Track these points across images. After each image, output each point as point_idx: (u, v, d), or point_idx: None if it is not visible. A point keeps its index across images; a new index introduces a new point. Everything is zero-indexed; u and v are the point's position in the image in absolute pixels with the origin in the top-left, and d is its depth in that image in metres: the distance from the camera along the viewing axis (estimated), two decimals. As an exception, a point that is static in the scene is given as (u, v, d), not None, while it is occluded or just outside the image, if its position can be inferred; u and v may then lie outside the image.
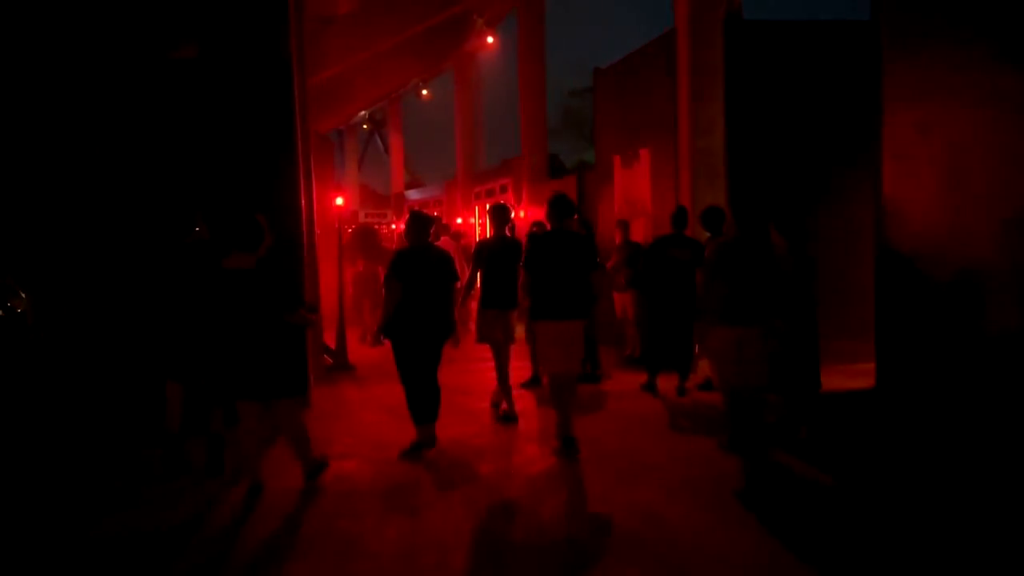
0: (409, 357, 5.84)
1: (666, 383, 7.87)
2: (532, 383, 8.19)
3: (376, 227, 18.88)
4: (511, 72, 18.17)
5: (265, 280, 4.84)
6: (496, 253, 6.88)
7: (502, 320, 6.80)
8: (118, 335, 6.48)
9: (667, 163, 9.40)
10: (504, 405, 6.92)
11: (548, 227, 6.20)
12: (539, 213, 15.11)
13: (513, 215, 7.63)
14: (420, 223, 6.00)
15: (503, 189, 17.77)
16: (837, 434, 6.10)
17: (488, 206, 7.79)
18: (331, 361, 9.62)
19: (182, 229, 5.61)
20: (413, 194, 28.88)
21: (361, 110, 28.41)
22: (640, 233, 10.09)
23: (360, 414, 7.16)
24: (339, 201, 9.42)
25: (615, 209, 10.90)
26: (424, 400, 5.86)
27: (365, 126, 31.91)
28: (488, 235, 7.29)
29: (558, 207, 5.94)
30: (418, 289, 5.75)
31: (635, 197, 10.34)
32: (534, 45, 15.95)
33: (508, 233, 7.10)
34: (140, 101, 6.79)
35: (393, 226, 23.62)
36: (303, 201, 7.62)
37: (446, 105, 24.65)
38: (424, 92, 24.61)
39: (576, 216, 8.74)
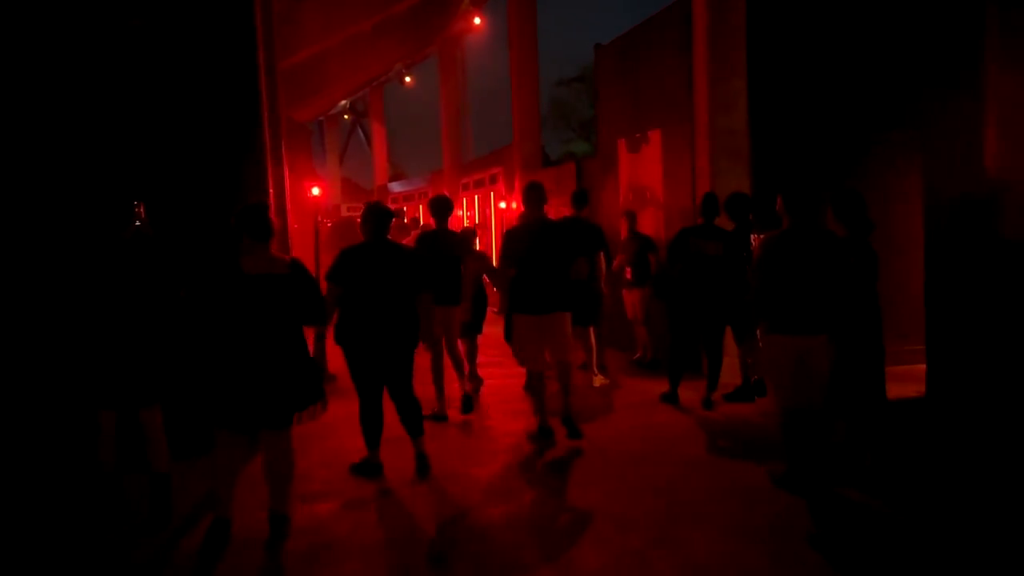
0: (364, 370, 5.08)
1: (686, 393, 6.93)
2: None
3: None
4: (500, 55, 17.17)
5: (296, 286, 4.12)
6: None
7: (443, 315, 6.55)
8: (36, 350, 5.10)
9: (682, 146, 8.44)
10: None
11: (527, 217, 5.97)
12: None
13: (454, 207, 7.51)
14: (376, 217, 5.11)
15: (493, 179, 16.77)
16: (893, 454, 5.17)
17: (431, 198, 7.08)
18: (308, 370, 8.60)
19: (120, 222, 4.57)
20: (396, 187, 27.83)
21: (342, 99, 27.29)
22: (650, 224, 9.13)
23: (339, 437, 6.13)
24: (315, 191, 8.41)
25: (620, 198, 9.92)
26: (375, 422, 5.18)
27: (346, 116, 30.76)
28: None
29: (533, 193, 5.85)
30: (372, 292, 4.94)
31: (643, 184, 9.38)
32: (526, 23, 14.91)
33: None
34: (74, 74, 5.69)
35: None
36: (272, 191, 6.58)
37: (431, 93, 23.58)
38: (407, 79, 23.55)
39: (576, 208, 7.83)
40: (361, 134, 40.34)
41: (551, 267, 5.67)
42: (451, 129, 20.62)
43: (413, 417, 5.20)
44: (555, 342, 5.77)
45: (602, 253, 7.70)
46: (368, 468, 5.22)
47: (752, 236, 6.83)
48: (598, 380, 7.82)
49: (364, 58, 18.88)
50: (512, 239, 5.87)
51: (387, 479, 5.14)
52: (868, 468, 4.82)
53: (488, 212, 17.27)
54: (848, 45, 7.98)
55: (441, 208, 6.79)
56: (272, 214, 6.40)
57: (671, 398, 6.91)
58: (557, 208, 11.09)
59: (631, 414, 6.68)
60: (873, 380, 4.95)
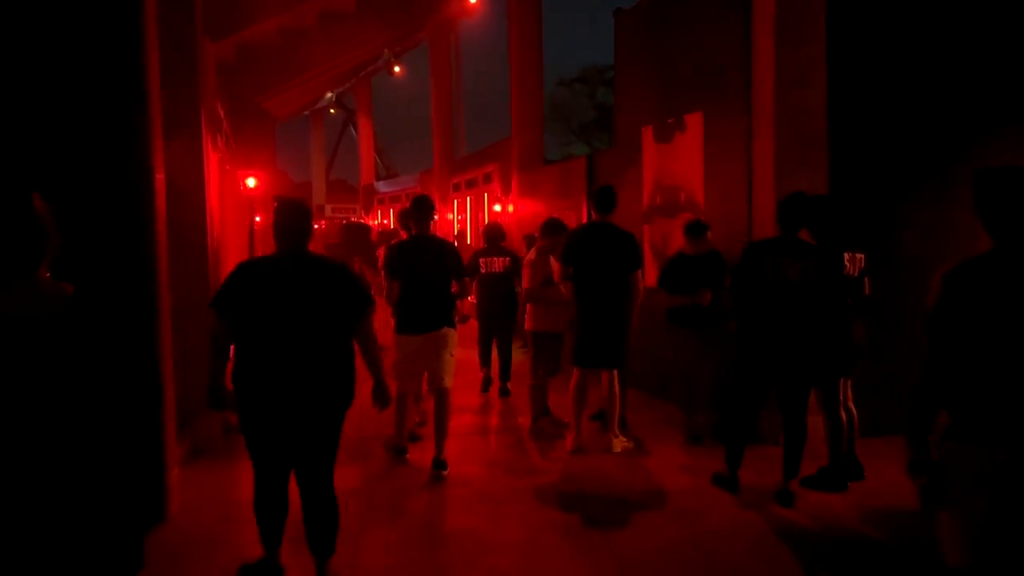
0: (260, 437, 3.43)
1: (747, 472, 4.93)
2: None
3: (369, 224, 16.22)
4: (499, 43, 15.18)
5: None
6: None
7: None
8: None
9: (732, 133, 6.43)
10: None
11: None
12: (532, 207, 12.07)
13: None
14: (289, 218, 3.44)
15: (487, 178, 14.73)
16: None
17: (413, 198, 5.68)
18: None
19: None
20: (383, 187, 25.88)
21: (327, 90, 25.26)
22: (681, 235, 7.12)
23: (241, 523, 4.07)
24: (250, 183, 6.42)
25: (644, 201, 7.89)
26: (275, 510, 3.55)
27: (332, 111, 28.72)
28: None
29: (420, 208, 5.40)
30: (277, 326, 3.33)
31: (675, 183, 7.36)
32: (528, 2, 12.87)
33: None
34: None
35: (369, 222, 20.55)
36: (158, 175, 4.52)
37: (424, 84, 21.57)
38: (396, 68, 21.53)
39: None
40: (353, 132, 38.38)
41: (435, 285, 5.30)
42: (442, 123, 18.60)
43: (323, 523, 3.45)
44: (433, 364, 5.32)
45: (638, 273, 5.77)
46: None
47: (846, 256, 4.85)
48: (619, 444, 5.81)
49: (347, 41, 16.81)
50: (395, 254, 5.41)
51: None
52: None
53: (481, 216, 15.24)
54: (959, 10, 6.02)
55: (421, 210, 5.43)
56: (159, 202, 4.42)
57: (729, 483, 4.88)
58: (563, 213, 9.06)
59: (669, 511, 4.63)
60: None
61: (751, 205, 6.22)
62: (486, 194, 14.92)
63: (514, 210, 12.76)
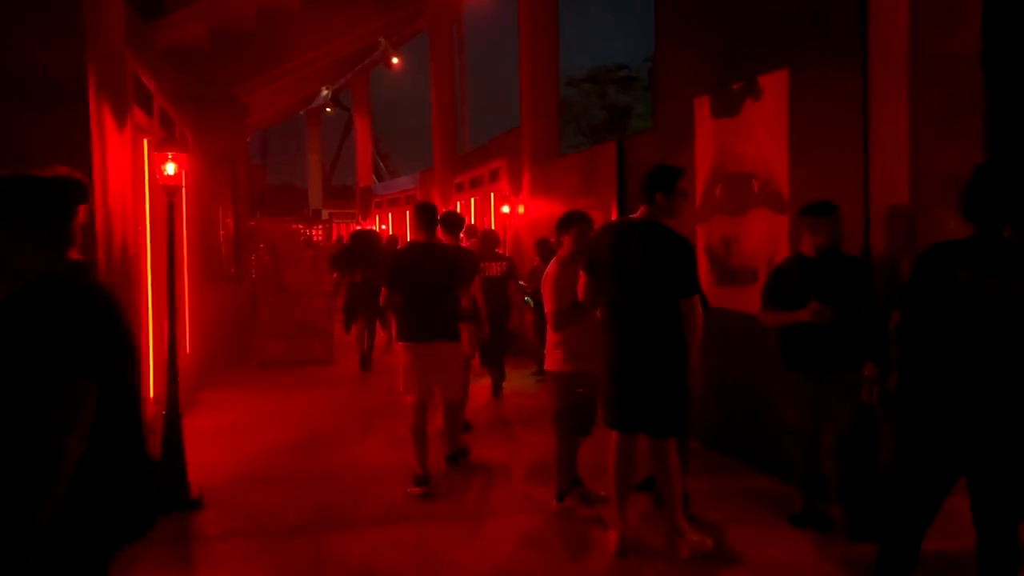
0: None
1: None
2: None
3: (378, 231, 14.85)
4: (504, 25, 13.42)
5: None
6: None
7: None
8: None
9: (837, 95, 4.60)
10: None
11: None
12: (547, 206, 10.24)
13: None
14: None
15: (494, 176, 12.91)
16: None
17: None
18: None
19: None
20: (383, 189, 24.17)
21: (322, 86, 23.55)
22: (759, 239, 5.33)
23: None
24: (168, 169, 4.67)
25: (697, 194, 6.07)
26: None
27: (328, 109, 27.03)
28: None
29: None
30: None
31: (746, 168, 5.54)
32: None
33: None
34: None
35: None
36: None
37: (425, 77, 19.83)
38: (395, 60, 19.81)
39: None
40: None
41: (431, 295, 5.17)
42: (443, 118, 16.80)
43: None
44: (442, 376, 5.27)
45: (694, 300, 3.95)
46: None
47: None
48: (687, 544, 3.98)
49: (335, 25, 15.06)
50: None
51: None
52: None
53: (487, 219, 13.43)
54: None
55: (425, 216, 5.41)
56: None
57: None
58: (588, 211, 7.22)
59: None
60: None
61: (867, 195, 4.40)
62: (492, 194, 13.11)
63: (525, 210, 10.94)
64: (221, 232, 11.14)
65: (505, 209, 11.81)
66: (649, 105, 32.49)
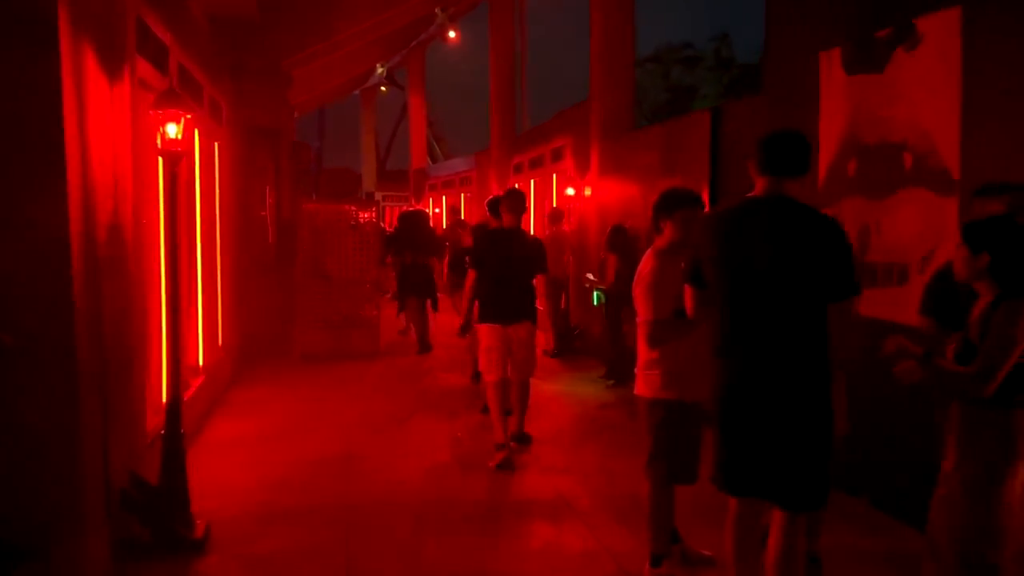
0: None
1: None
2: None
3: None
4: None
5: None
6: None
7: None
8: None
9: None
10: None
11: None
12: (619, 188, 9.11)
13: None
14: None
15: (557, 155, 11.81)
16: None
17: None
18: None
19: None
20: (435, 170, 23.29)
21: (376, 62, 22.68)
22: (913, 225, 4.17)
23: None
24: (171, 131, 3.73)
25: (821, 169, 4.89)
26: None
27: (383, 88, 26.17)
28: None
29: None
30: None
31: (894, 137, 4.35)
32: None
33: None
34: None
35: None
36: None
37: (481, 52, 18.78)
38: (452, 34, 18.77)
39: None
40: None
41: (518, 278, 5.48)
42: (502, 95, 15.72)
43: None
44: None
45: (849, 303, 2.84)
46: None
47: None
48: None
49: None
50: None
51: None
52: None
53: (548, 203, 12.34)
54: None
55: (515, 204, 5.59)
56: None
57: None
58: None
59: None
60: None
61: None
62: (555, 175, 12.00)
63: (593, 192, 9.82)
64: (263, 214, 10.34)
65: (570, 191, 10.70)
66: (715, 86, 31.04)
